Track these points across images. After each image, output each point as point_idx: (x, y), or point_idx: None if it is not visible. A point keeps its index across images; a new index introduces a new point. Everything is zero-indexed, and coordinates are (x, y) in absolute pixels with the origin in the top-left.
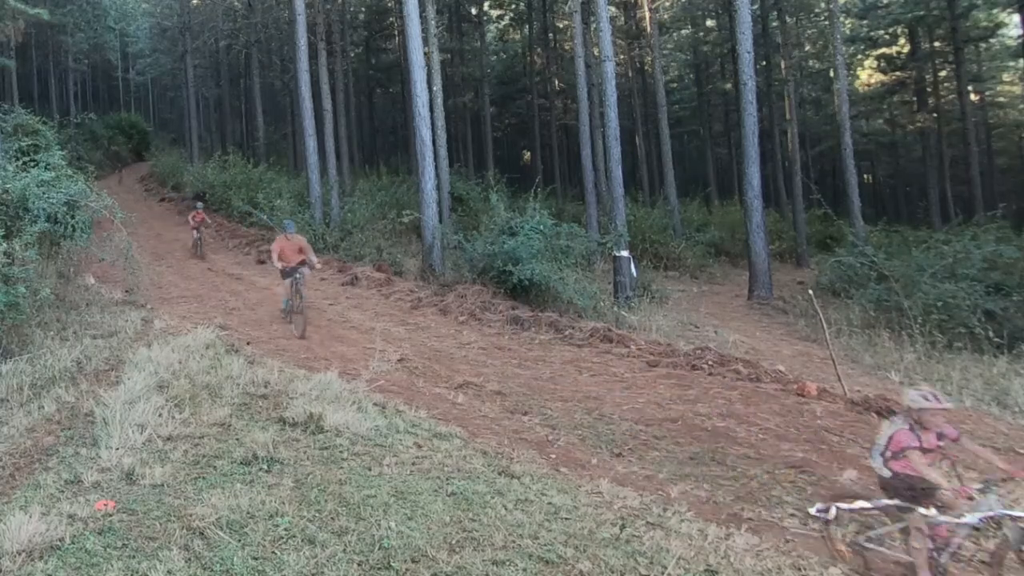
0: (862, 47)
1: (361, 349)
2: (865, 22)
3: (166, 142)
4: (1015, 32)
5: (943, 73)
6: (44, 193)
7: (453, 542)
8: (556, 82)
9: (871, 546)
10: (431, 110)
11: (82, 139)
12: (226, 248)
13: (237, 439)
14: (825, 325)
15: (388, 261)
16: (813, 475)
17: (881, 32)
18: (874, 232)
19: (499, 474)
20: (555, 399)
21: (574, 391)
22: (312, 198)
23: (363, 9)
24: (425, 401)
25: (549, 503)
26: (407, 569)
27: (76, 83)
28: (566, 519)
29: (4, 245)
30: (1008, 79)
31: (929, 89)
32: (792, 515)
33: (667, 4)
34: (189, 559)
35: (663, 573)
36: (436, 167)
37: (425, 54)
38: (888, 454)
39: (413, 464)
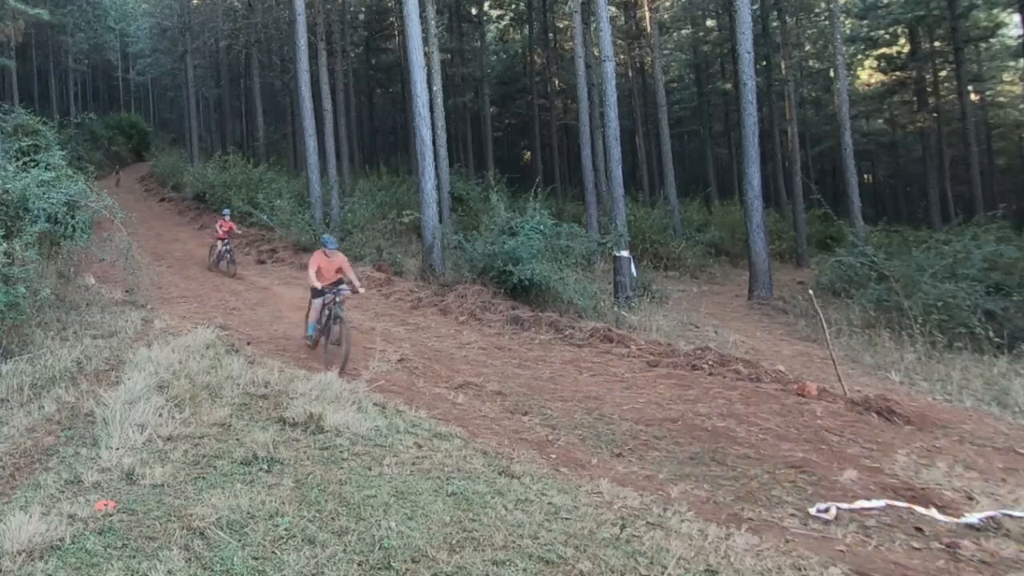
0: (862, 47)
1: (361, 349)
2: (865, 22)
3: (166, 142)
4: (1015, 32)
5: (943, 73)
6: (44, 193)
7: (453, 542)
8: (556, 82)
9: None
10: (431, 110)
11: (82, 139)
12: None
13: (237, 439)
14: (825, 325)
15: (388, 261)
16: (813, 475)
17: (881, 32)
18: (874, 232)
19: (499, 474)
20: (555, 399)
21: (574, 391)
22: (312, 198)
23: (363, 9)
24: (425, 401)
25: (549, 503)
26: (407, 569)
27: (76, 83)
28: (566, 519)
29: (4, 245)
30: (1008, 79)
31: (929, 89)
32: (792, 515)
33: (667, 4)
34: (189, 559)
35: (663, 573)
36: (436, 167)
37: (425, 54)
38: None
39: (413, 464)
